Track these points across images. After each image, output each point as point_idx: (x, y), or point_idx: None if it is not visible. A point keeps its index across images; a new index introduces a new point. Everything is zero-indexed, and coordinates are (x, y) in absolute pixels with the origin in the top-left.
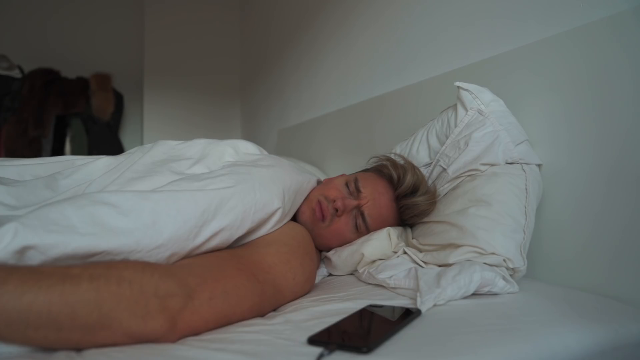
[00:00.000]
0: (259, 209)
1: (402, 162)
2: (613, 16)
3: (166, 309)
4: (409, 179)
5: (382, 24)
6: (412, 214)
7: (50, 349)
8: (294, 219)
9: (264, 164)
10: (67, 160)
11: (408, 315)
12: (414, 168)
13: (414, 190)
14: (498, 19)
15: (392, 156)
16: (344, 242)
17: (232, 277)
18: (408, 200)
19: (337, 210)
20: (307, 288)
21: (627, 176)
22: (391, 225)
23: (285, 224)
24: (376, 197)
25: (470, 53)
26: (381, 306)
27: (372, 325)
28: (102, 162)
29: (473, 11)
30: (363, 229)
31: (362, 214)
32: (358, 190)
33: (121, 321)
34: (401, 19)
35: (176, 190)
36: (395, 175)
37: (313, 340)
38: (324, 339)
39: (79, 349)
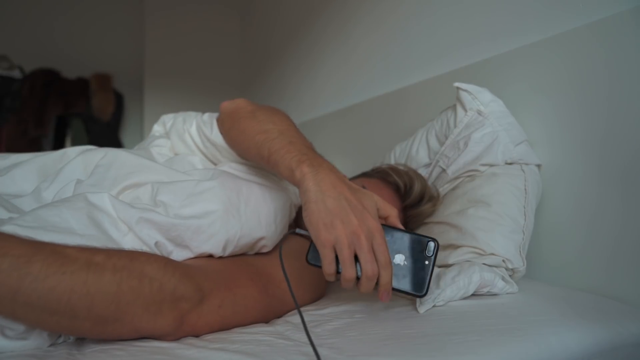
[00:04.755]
0: (245, 233)
1: (404, 168)
2: (613, 16)
3: (177, 309)
4: (416, 189)
5: (382, 25)
6: (417, 221)
7: (55, 333)
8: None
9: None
10: (57, 152)
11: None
12: (418, 176)
13: (420, 199)
14: (498, 19)
15: (393, 164)
16: None
17: (243, 287)
18: (415, 210)
19: None
20: (315, 300)
21: (626, 176)
22: None
23: (292, 239)
24: None
25: (470, 53)
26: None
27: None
28: (78, 162)
29: (473, 12)
30: None
31: None
32: None
33: (134, 316)
34: (401, 19)
35: (150, 212)
36: (402, 184)
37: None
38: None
39: (79, 344)
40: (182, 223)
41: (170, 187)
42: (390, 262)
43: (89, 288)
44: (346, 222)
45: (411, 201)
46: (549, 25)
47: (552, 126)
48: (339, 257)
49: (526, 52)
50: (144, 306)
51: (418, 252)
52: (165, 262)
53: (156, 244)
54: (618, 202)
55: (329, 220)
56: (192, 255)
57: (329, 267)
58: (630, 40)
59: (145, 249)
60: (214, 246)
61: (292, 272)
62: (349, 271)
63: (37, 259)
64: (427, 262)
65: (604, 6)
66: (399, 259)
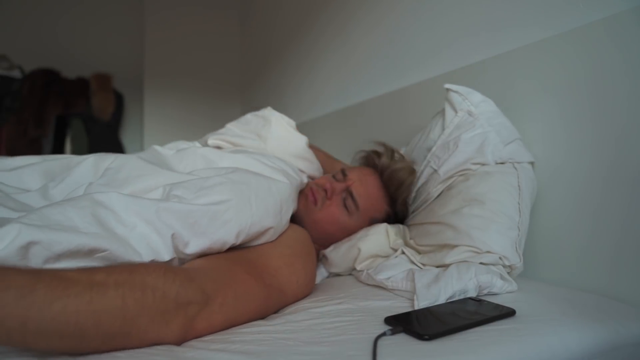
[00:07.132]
0: (255, 221)
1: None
2: (613, 16)
3: (182, 315)
4: (385, 147)
5: (381, 25)
6: (396, 184)
7: (65, 354)
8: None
9: (267, 172)
10: (66, 159)
11: (499, 314)
12: (386, 145)
13: (392, 157)
14: (498, 19)
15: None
16: (339, 227)
17: (242, 282)
18: (389, 168)
19: (326, 192)
20: (308, 291)
21: (625, 175)
22: (383, 207)
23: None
24: (362, 177)
25: (470, 53)
26: (479, 300)
27: (450, 316)
28: (89, 163)
29: (474, 11)
30: (353, 208)
31: (351, 194)
32: (344, 175)
33: (139, 328)
34: (401, 19)
35: (167, 202)
36: (373, 153)
37: (388, 320)
38: (395, 321)
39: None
40: (199, 209)
41: (182, 184)
42: None
43: (94, 306)
44: None
45: (384, 159)
46: (550, 25)
47: (555, 124)
48: None
49: (527, 51)
50: (149, 317)
51: None
52: (164, 269)
53: (173, 235)
54: (620, 201)
55: None
56: (209, 243)
57: None
58: (631, 40)
59: (156, 240)
60: (227, 232)
61: (284, 259)
62: None
63: (40, 286)
64: None
65: (604, 6)
66: None
